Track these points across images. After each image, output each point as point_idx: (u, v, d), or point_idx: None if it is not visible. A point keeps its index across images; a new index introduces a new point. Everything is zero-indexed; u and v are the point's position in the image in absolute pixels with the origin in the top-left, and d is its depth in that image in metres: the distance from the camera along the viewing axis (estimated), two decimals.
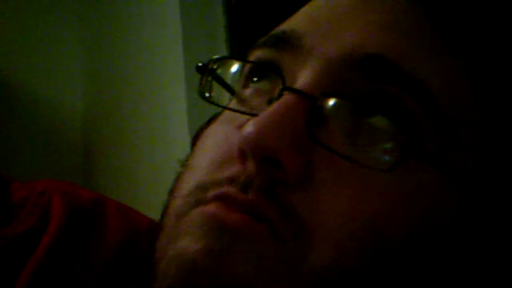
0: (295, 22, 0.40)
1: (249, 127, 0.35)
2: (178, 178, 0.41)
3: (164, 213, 0.40)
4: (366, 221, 0.35)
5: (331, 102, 0.36)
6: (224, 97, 0.41)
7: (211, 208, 0.35)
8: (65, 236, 0.50)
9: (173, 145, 1.30)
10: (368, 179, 0.35)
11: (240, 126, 0.37)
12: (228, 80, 0.41)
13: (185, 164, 0.41)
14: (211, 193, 0.36)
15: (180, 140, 1.26)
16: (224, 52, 1.23)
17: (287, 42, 0.39)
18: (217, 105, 0.40)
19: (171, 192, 0.40)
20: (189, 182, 0.38)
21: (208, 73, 0.40)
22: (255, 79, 0.40)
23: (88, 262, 0.50)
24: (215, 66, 0.41)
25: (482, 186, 0.38)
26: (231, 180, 0.36)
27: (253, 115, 0.37)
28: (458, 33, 0.39)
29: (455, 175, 0.37)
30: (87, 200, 0.53)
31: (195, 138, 0.61)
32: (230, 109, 0.40)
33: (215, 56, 0.41)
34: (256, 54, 0.40)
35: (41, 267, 0.48)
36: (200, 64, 0.40)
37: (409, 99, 0.36)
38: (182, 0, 1.29)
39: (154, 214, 0.57)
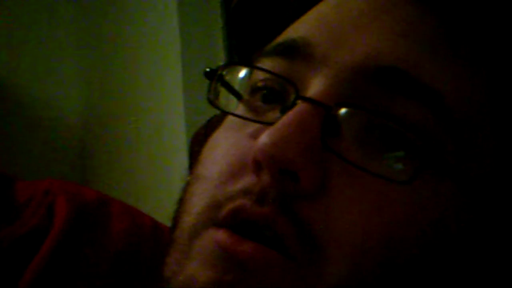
0: (305, 29, 0.39)
1: (265, 138, 0.34)
2: (187, 188, 0.39)
3: (175, 226, 0.38)
4: (381, 233, 0.34)
5: (346, 112, 0.35)
6: (230, 100, 0.40)
7: (222, 236, 0.34)
8: (70, 236, 0.50)
9: (171, 146, 1.30)
10: (383, 190, 0.35)
11: (252, 135, 0.37)
12: (236, 85, 0.40)
13: (194, 172, 0.39)
14: (225, 209, 0.35)
15: (178, 142, 1.26)
16: (221, 54, 1.23)
17: (298, 52, 0.37)
18: (230, 113, 0.39)
19: (181, 203, 0.39)
20: (201, 195, 0.37)
21: (216, 79, 0.39)
22: (265, 91, 0.38)
23: (92, 262, 0.50)
24: (224, 72, 0.40)
25: (496, 194, 0.38)
26: (245, 192, 0.35)
27: (266, 123, 0.36)
28: (472, 41, 0.38)
29: (470, 185, 0.37)
30: (91, 200, 0.53)
31: (195, 141, 0.60)
32: (244, 118, 0.38)
33: (223, 63, 0.40)
34: (265, 64, 0.39)
35: (45, 267, 0.48)
36: (208, 70, 0.39)
37: (425, 110, 0.35)
38: (180, 2, 1.29)
39: (152, 213, 0.57)
